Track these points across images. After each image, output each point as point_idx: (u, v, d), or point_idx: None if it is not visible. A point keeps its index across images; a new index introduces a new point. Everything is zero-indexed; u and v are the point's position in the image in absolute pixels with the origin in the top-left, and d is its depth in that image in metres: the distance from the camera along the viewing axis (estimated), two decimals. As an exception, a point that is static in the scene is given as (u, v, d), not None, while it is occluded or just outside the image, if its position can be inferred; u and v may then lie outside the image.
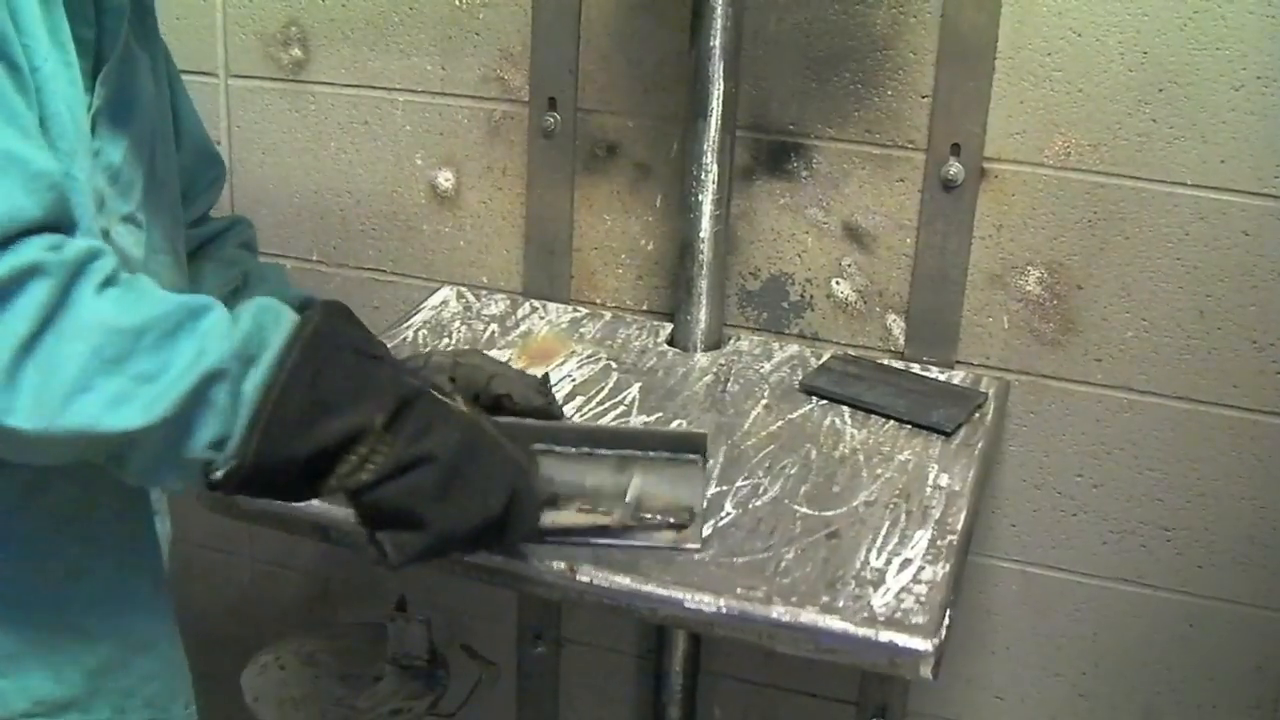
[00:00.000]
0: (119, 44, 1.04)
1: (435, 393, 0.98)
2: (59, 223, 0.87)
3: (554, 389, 1.44)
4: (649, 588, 1.09)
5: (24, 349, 0.83)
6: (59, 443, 0.86)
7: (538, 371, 1.41)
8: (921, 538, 1.18)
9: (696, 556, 1.13)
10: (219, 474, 0.90)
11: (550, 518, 1.09)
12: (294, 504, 1.00)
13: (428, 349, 1.54)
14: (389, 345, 1.38)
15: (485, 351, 1.41)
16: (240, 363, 0.89)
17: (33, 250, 0.83)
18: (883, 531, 1.19)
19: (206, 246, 1.32)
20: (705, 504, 1.19)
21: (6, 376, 0.83)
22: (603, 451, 1.16)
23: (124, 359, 0.86)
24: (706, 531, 1.16)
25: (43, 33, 0.93)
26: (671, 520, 1.14)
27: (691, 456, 1.17)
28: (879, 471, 1.30)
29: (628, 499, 1.12)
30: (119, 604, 1.08)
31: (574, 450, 1.16)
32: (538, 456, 1.06)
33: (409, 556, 0.96)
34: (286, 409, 0.90)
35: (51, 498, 1.01)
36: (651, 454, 1.17)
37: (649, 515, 1.12)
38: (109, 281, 0.87)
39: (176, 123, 1.25)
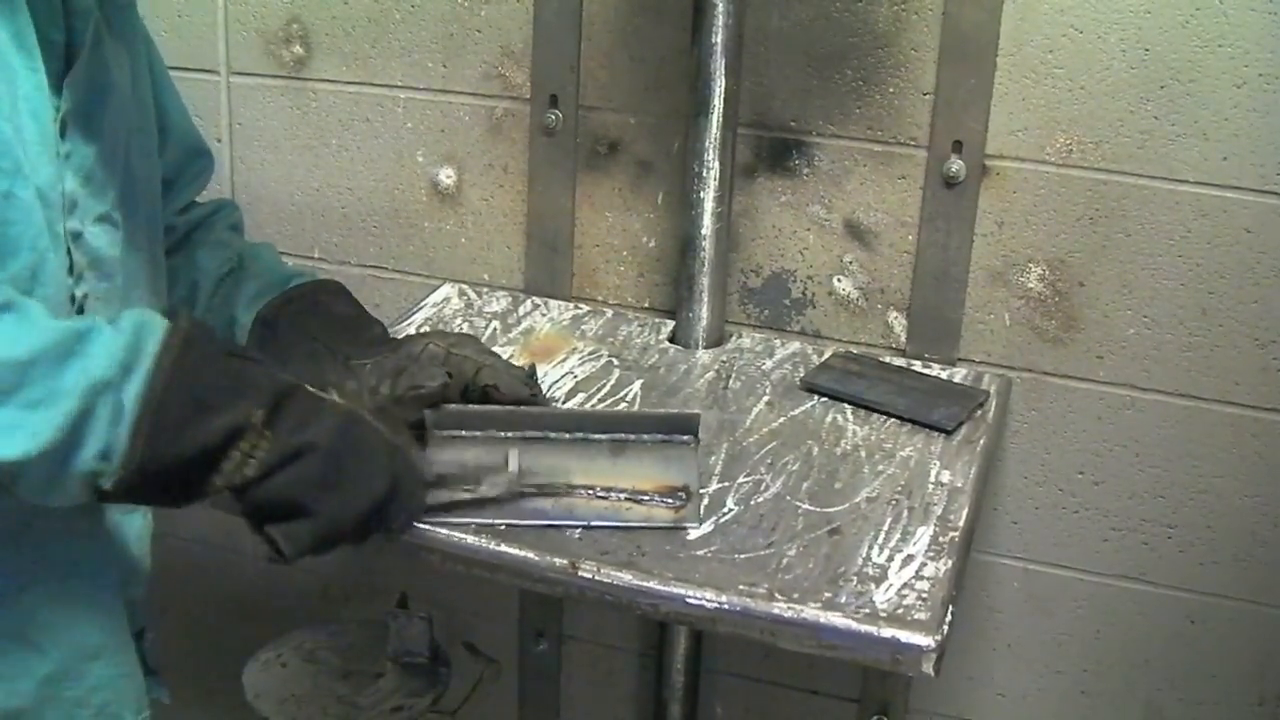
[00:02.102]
0: (87, 44, 1.04)
1: (310, 388, 1.01)
2: None
3: (555, 385, 1.45)
4: (651, 584, 1.09)
5: None
6: None
7: (541, 368, 1.41)
8: (923, 534, 1.18)
9: (699, 553, 1.13)
10: (107, 484, 0.92)
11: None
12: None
13: (426, 332, 1.54)
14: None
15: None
16: (121, 373, 0.91)
17: None
18: (885, 528, 1.19)
19: (196, 231, 1.32)
20: (699, 483, 1.19)
21: None
22: (596, 436, 1.16)
23: (14, 390, 0.87)
24: (708, 527, 1.16)
25: None
26: (668, 500, 1.15)
27: (684, 437, 1.18)
28: (881, 468, 1.30)
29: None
30: (69, 613, 1.07)
31: (567, 436, 1.17)
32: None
33: (301, 548, 0.98)
34: (166, 412, 0.92)
35: None
36: (645, 437, 1.17)
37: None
38: (2, 308, 0.89)
39: (162, 116, 1.24)
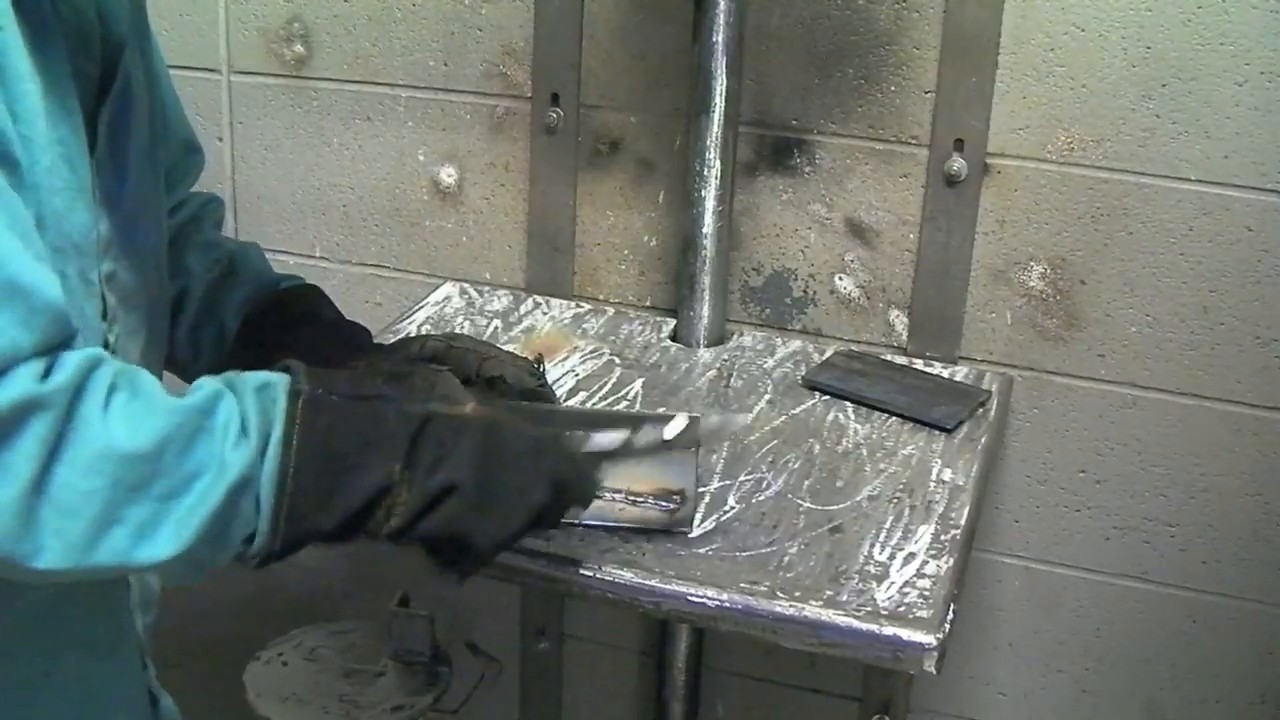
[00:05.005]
0: (121, 75, 0.99)
1: (442, 409, 0.94)
2: (53, 348, 0.82)
3: (557, 384, 1.45)
4: (652, 582, 1.09)
5: (35, 490, 0.78)
6: (88, 577, 0.84)
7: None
8: (925, 532, 1.18)
9: (701, 551, 1.13)
10: (251, 563, 0.90)
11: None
12: None
13: (418, 335, 1.54)
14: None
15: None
16: (255, 462, 0.87)
17: (23, 381, 0.78)
18: (886, 526, 1.19)
19: (185, 231, 1.29)
20: (697, 486, 1.19)
21: (22, 521, 0.78)
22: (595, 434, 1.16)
23: (146, 483, 0.82)
24: (710, 526, 1.16)
25: (41, 122, 0.86)
26: (663, 503, 1.15)
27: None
28: (882, 466, 1.30)
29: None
30: (90, 698, 1.04)
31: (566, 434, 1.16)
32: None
33: (469, 574, 0.96)
34: (303, 489, 0.88)
35: (21, 601, 0.97)
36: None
37: (645, 495, 1.14)
38: (111, 390, 0.83)
39: (162, 112, 1.22)
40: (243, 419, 0.87)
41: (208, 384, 0.89)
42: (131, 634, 1.10)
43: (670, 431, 1.09)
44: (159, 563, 0.84)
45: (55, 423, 0.79)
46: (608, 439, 1.07)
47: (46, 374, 0.80)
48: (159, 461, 0.82)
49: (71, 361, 0.81)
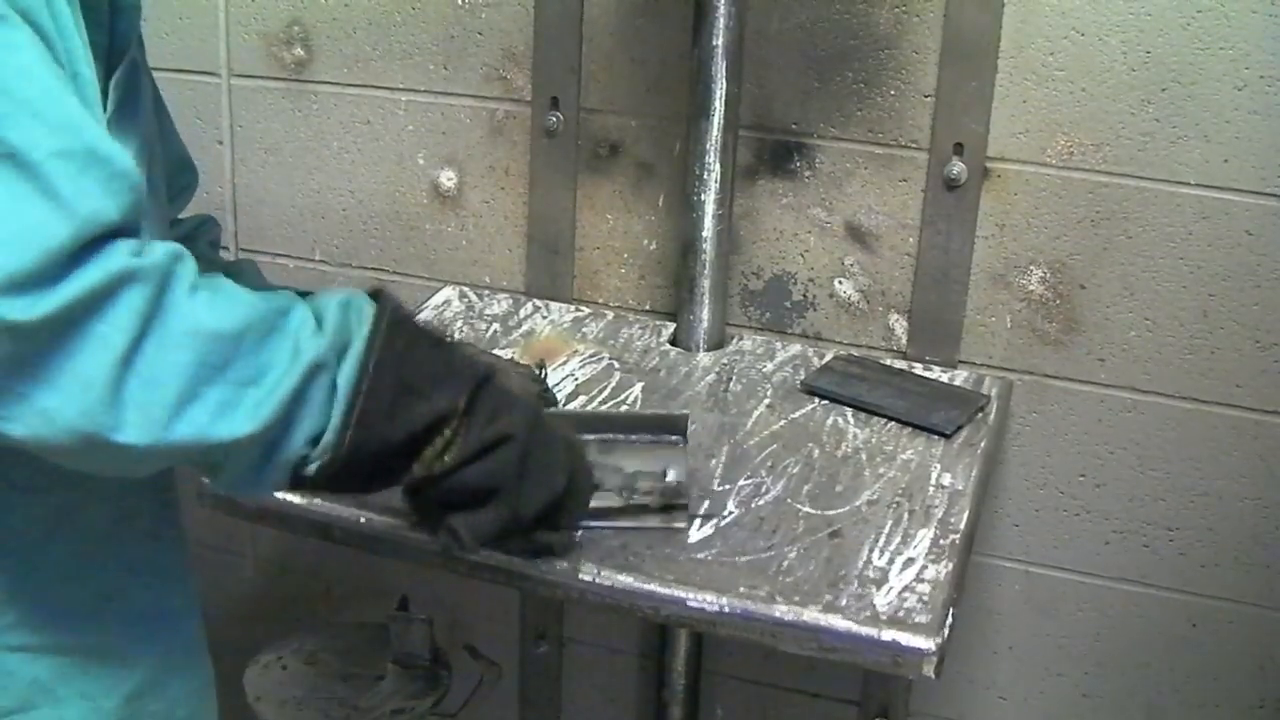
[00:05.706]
0: (130, 47, 1.01)
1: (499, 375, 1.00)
2: (133, 225, 0.84)
3: (557, 388, 1.45)
4: (652, 586, 1.09)
5: (124, 362, 0.80)
6: (165, 455, 0.85)
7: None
8: (924, 537, 1.18)
9: (700, 555, 1.13)
10: (311, 469, 0.90)
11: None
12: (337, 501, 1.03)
13: None
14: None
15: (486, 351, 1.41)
16: (334, 355, 0.89)
17: (120, 256, 0.80)
18: (885, 530, 1.19)
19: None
20: (692, 483, 1.19)
21: (110, 392, 0.80)
22: (585, 436, 1.16)
23: (226, 365, 0.84)
24: (709, 530, 1.16)
25: (79, 40, 0.89)
26: (659, 501, 1.15)
27: (673, 438, 1.18)
28: (881, 471, 1.30)
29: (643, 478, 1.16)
30: (154, 625, 1.06)
31: None
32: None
33: (483, 537, 0.98)
34: (378, 397, 0.90)
35: (84, 521, 0.99)
36: (633, 437, 1.17)
37: (640, 497, 1.15)
38: (196, 281, 0.85)
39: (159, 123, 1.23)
40: (319, 320, 0.90)
41: (283, 292, 0.92)
42: (187, 562, 1.11)
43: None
44: (235, 439, 0.85)
45: (149, 298, 0.81)
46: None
47: (139, 254, 0.82)
48: (240, 344, 0.85)
49: (161, 247, 0.84)
